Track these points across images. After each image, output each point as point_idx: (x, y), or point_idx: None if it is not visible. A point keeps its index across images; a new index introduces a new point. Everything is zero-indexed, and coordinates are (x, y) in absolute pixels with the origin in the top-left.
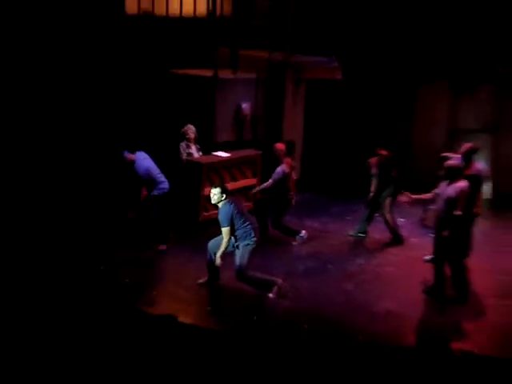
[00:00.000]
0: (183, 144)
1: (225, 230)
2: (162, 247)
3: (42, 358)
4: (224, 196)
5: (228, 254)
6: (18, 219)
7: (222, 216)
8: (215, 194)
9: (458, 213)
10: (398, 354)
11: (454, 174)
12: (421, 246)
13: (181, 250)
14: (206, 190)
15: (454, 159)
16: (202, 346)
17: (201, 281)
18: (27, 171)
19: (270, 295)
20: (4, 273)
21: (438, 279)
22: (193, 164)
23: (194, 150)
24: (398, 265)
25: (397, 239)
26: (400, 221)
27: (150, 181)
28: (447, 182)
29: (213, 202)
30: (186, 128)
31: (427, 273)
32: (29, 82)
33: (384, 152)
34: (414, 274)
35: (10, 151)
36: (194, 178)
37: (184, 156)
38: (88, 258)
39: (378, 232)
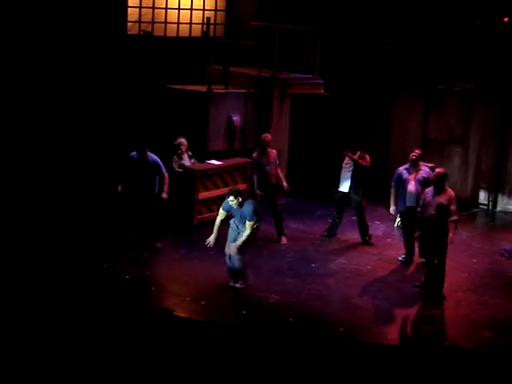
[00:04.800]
0: (175, 157)
1: (250, 224)
2: (159, 245)
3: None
4: (241, 198)
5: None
6: (27, 222)
7: (247, 212)
8: (232, 201)
9: (454, 218)
10: (376, 346)
11: (442, 182)
12: (395, 246)
13: (177, 249)
14: (200, 194)
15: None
16: (196, 338)
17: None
18: (37, 177)
19: (237, 285)
20: (15, 272)
21: (439, 275)
22: (188, 171)
23: (186, 159)
24: (375, 264)
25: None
26: (376, 223)
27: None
28: (432, 188)
29: (235, 207)
30: (178, 141)
31: (401, 271)
32: (35, 92)
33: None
34: (390, 272)
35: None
36: (189, 184)
37: (176, 167)
38: (92, 256)
39: (357, 234)
